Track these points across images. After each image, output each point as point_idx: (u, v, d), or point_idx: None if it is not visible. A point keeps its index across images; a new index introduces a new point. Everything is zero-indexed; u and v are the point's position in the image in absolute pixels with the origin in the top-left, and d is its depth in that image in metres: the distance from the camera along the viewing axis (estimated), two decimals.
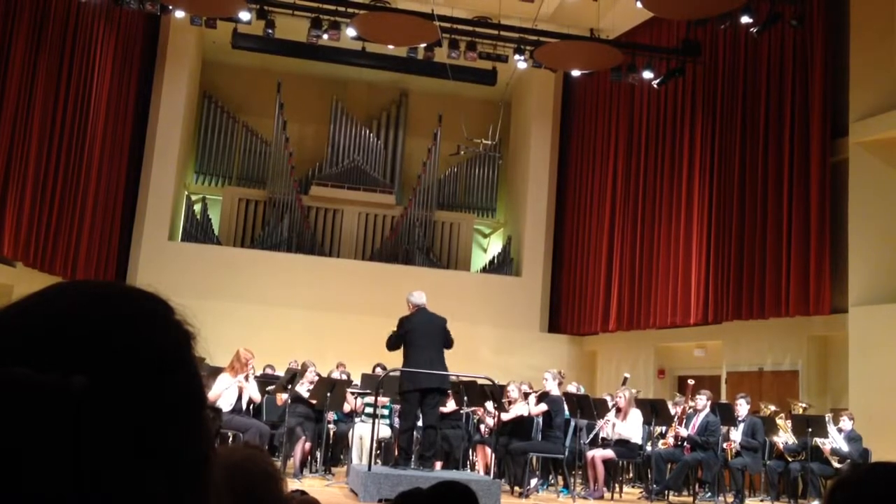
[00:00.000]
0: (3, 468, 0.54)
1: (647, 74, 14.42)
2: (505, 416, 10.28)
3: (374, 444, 9.50)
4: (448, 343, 8.88)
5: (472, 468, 11.11)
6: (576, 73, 15.31)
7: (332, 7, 13.71)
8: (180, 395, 0.62)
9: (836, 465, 10.26)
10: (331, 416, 10.62)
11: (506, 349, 16.28)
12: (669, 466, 10.63)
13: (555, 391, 10.39)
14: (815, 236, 12.35)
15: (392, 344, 8.87)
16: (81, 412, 0.56)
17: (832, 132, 12.55)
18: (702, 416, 10.54)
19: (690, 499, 10.42)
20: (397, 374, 9.10)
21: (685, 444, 10.54)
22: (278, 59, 17.50)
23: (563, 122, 18.30)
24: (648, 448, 10.90)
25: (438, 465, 9.87)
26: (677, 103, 15.30)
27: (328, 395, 10.04)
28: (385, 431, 10.83)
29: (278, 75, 17.97)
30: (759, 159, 13.37)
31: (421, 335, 8.72)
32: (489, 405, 10.86)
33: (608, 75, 14.76)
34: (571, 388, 12.00)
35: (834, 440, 10.36)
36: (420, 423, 9.09)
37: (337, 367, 11.98)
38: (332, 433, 10.81)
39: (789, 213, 12.77)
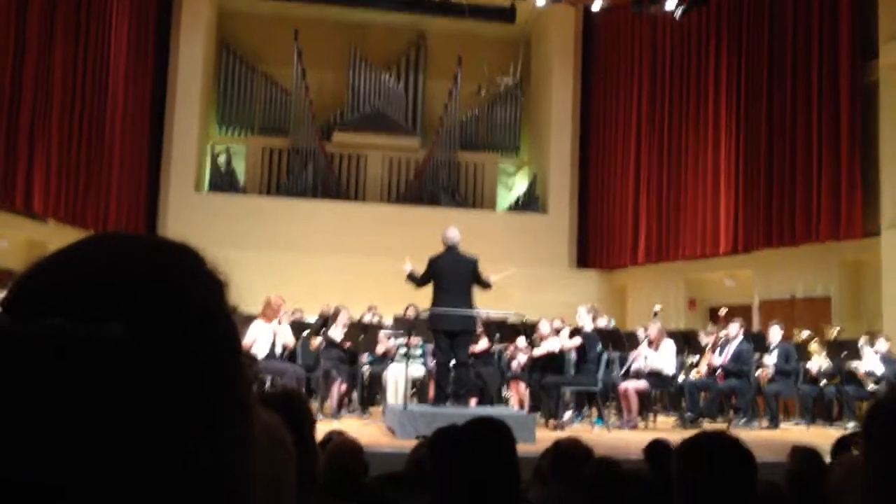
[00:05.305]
0: (38, 420, 0.53)
1: (670, 5, 14.14)
2: (537, 352, 10.31)
3: (409, 384, 9.58)
4: (482, 283, 8.82)
5: (507, 404, 11.20)
6: (596, 7, 15.04)
7: None
8: (216, 343, 0.62)
9: (871, 386, 10.24)
10: (364, 357, 10.73)
11: (535, 286, 16.24)
12: (703, 395, 10.65)
13: (588, 326, 10.39)
14: (846, 160, 12.18)
15: (416, 283, 8.92)
16: (118, 362, 0.56)
17: (861, 55, 12.30)
18: (734, 344, 10.53)
19: (725, 424, 10.44)
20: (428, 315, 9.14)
21: (718, 372, 10.56)
22: (294, 5, 17.35)
23: (584, 58, 18.02)
24: (681, 379, 10.91)
25: (473, 401, 9.96)
26: (702, 31, 15.01)
27: (361, 337, 10.12)
28: (419, 371, 10.92)
29: (295, 22, 17.82)
30: (788, 84, 13.14)
31: (447, 278, 8.68)
32: (520, 341, 10.89)
33: (629, 8, 14.50)
34: (602, 322, 12.00)
35: (869, 362, 10.32)
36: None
37: (368, 309, 12.05)
38: (366, 375, 10.93)
39: (819, 137, 12.59)
